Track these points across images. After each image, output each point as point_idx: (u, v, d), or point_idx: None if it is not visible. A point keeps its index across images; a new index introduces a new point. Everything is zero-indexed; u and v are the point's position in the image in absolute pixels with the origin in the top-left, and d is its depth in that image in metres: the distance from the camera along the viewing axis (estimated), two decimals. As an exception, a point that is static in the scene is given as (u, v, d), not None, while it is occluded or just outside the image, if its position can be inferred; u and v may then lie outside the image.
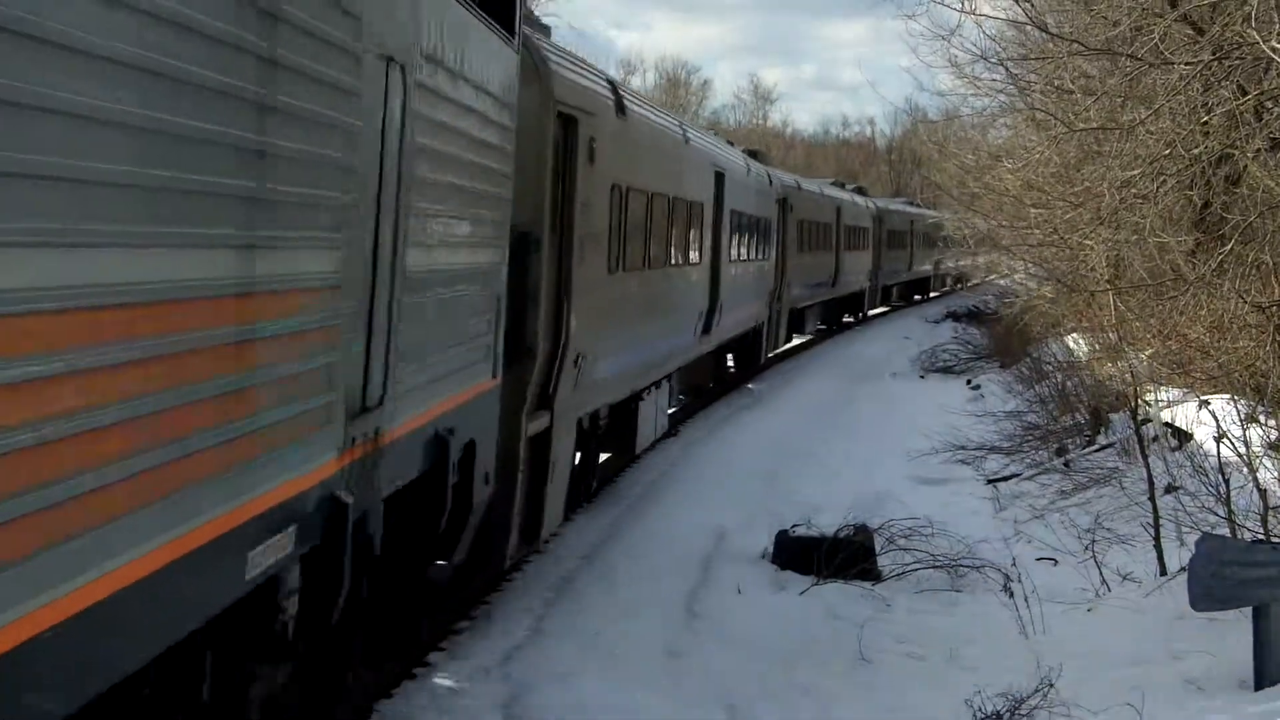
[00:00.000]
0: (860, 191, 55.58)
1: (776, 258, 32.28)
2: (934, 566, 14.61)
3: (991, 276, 67.30)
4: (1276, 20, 14.04)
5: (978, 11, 18.94)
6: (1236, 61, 16.01)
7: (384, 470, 7.76)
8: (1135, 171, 18.04)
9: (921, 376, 36.32)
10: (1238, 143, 17.10)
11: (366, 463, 7.42)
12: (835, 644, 12.26)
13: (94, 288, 4.33)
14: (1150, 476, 14.62)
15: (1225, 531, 12.37)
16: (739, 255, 26.28)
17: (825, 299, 44.74)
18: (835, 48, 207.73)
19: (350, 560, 7.12)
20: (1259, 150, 16.86)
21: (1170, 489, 15.22)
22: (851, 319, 52.20)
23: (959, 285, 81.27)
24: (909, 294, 70.43)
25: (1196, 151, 17.68)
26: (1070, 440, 21.40)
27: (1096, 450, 19.93)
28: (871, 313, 56.89)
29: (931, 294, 74.49)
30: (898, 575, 14.56)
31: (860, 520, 15.51)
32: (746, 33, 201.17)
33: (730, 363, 31.92)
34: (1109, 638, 11.86)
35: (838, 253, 43.81)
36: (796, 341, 41.46)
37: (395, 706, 10.39)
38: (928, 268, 71.89)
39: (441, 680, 10.85)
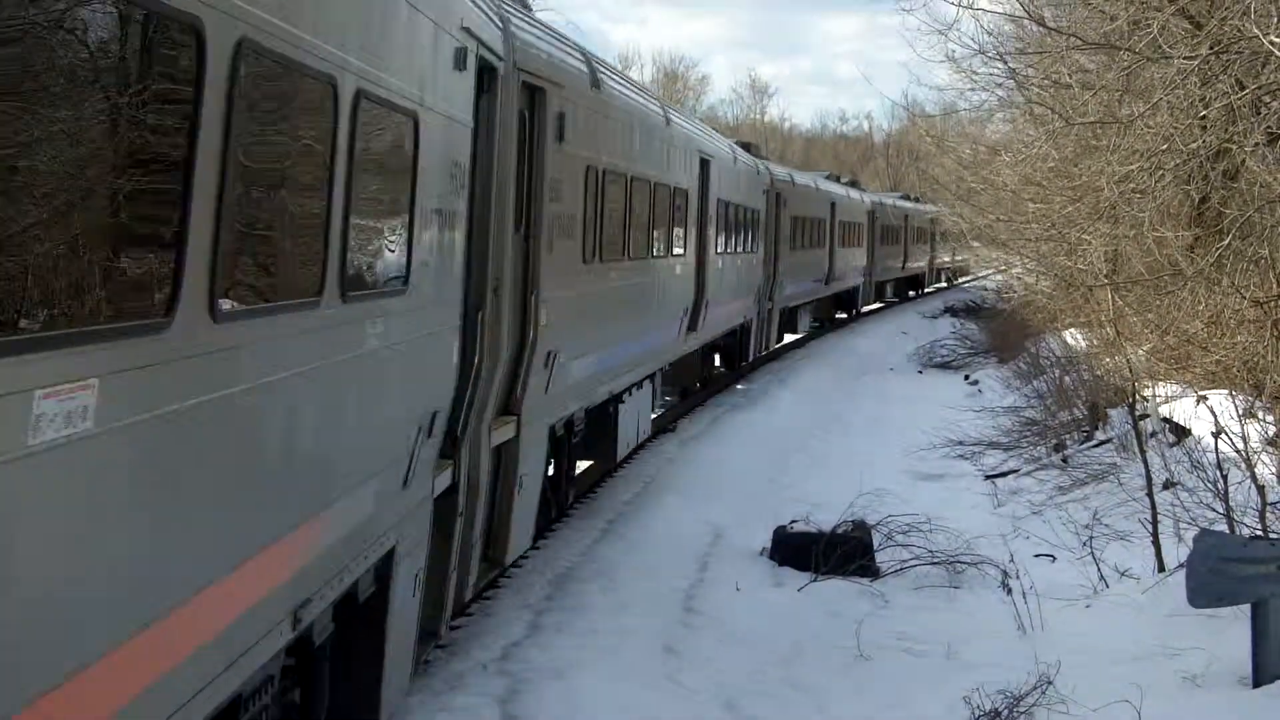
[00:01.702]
0: (748, 149, 32.16)
1: (516, 277, 11.86)
2: (932, 563, 14.61)
3: (972, 279, 64.54)
4: (1275, 14, 14.01)
5: (975, 6, 18.92)
6: (1235, 55, 15.98)
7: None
8: (1133, 166, 18.02)
9: (920, 371, 36.31)
10: (1236, 137, 17.08)
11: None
12: (833, 641, 12.25)
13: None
14: (1148, 472, 14.60)
15: (1223, 527, 12.36)
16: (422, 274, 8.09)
17: (676, 359, 22.39)
18: (831, 42, 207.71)
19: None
20: (1257, 145, 16.84)
21: (1168, 485, 15.21)
22: (726, 369, 31.09)
23: (914, 292, 68.13)
24: (829, 311, 48.42)
25: (1194, 146, 17.67)
26: (1068, 436, 21.39)
27: (1094, 446, 19.92)
28: (770, 348, 35.67)
29: (863, 308, 53.20)
30: (896, 571, 14.55)
31: (858, 516, 15.51)
32: (742, 27, 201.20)
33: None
34: (1107, 634, 11.84)
35: (702, 261, 22.53)
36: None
37: (393, 704, 10.37)
38: (855, 269, 49.39)
39: (440, 675, 10.83)
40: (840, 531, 14.87)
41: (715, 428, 24.78)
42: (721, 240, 24.70)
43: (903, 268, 62.57)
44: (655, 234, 18.03)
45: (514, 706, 10.26)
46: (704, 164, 22.54)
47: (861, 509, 15.97)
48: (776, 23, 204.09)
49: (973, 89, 25.74)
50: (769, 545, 15.18)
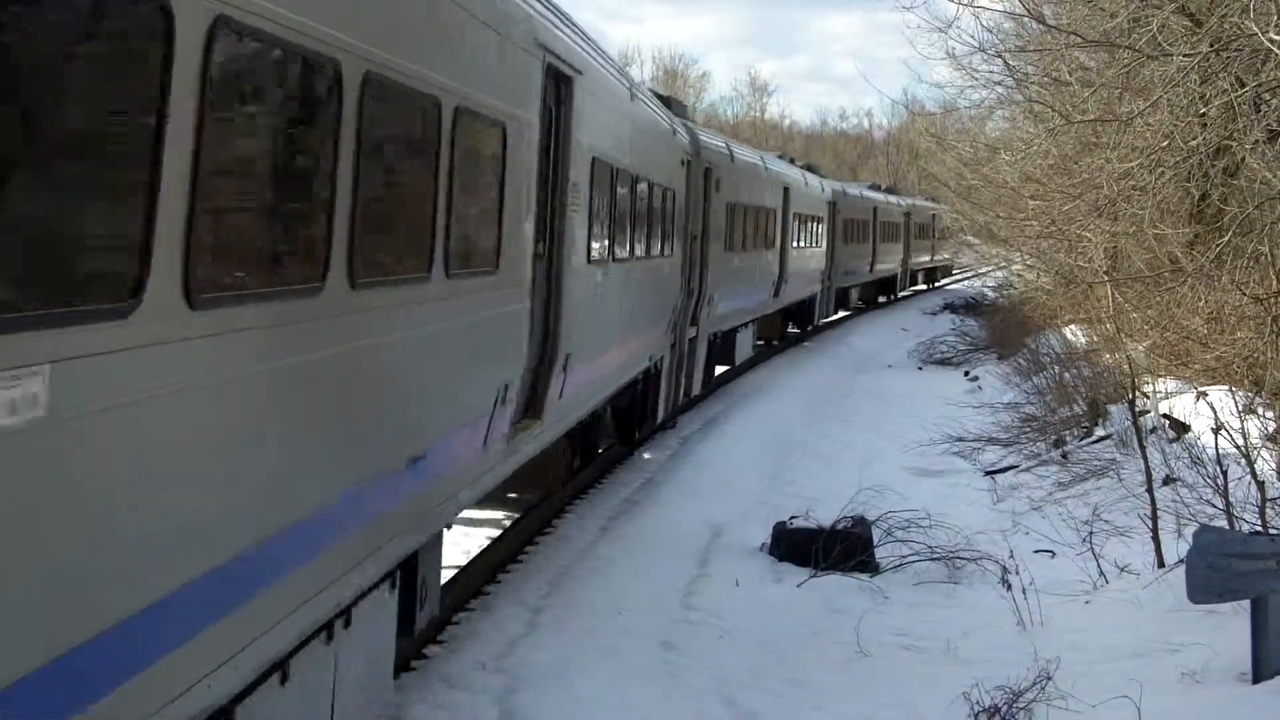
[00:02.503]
0: (669, 105, 21.85)
1: None
2: (932, 559, 14.61)
3: (954, 280, 61.36)
4: (1274, 11, 14.01)
5: (975, 4, 18.93)
6: (1234, 53, 15.99)
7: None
8: (1133, 163, 18.03)
9: (919, 368, 36.32)
10: (1235, 134, 17.09)
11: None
12: (833, 636, 12.25)
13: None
14: (1148, 468, 14.60)
15: (1223, 523, 12.35)
16: None
17: (485, 493, 11.18)
18: (828, 39, 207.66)
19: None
20: (1257, 142, 16.84)
21: (1168, 481, 15.21)
22: (621, 440, 20.46)
23: (885, 297, 58.57)
24: (778, 328, 39.05)
25: (1194, 143, 17.68)
26: (1068, 432, 21.39)
27: (1094, 442, 19.92)
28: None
29: (820, 321, 43.18)
30: (896, 567, 14.55)
31: (858, 512, 15.51)
32: (739, 25, 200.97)
33: None
34: (1107, 630, 11.85)
35: (555, 280, 12.11)
36: None
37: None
38: (813, 274, 39.46)
39: (438, 674, 10.83)
40: (840, 527, 14.88)
41: (715, 423, 24.78)
42: (599, 236, 14.03)
43: (871, 270, 52.13)
44: (383, 227, 7.83)
45: (513, 704, 10.25)
46: (557, 80, 11.77)
47: (861, 505, 15.97)
48: (774, 20, 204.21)
49: (972, 86, 25.84)
50: (769, 541, 15.18)
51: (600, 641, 11.71)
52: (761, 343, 35.85)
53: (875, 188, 60.08)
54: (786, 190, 33.16)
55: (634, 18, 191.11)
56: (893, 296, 59.89)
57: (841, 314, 48.96)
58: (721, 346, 27.44)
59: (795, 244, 34.88)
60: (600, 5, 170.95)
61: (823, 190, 40.87)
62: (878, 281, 55.99)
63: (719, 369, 28.79)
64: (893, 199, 59.15)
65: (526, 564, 14.29)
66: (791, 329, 40.57)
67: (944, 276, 77.92)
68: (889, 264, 56.89)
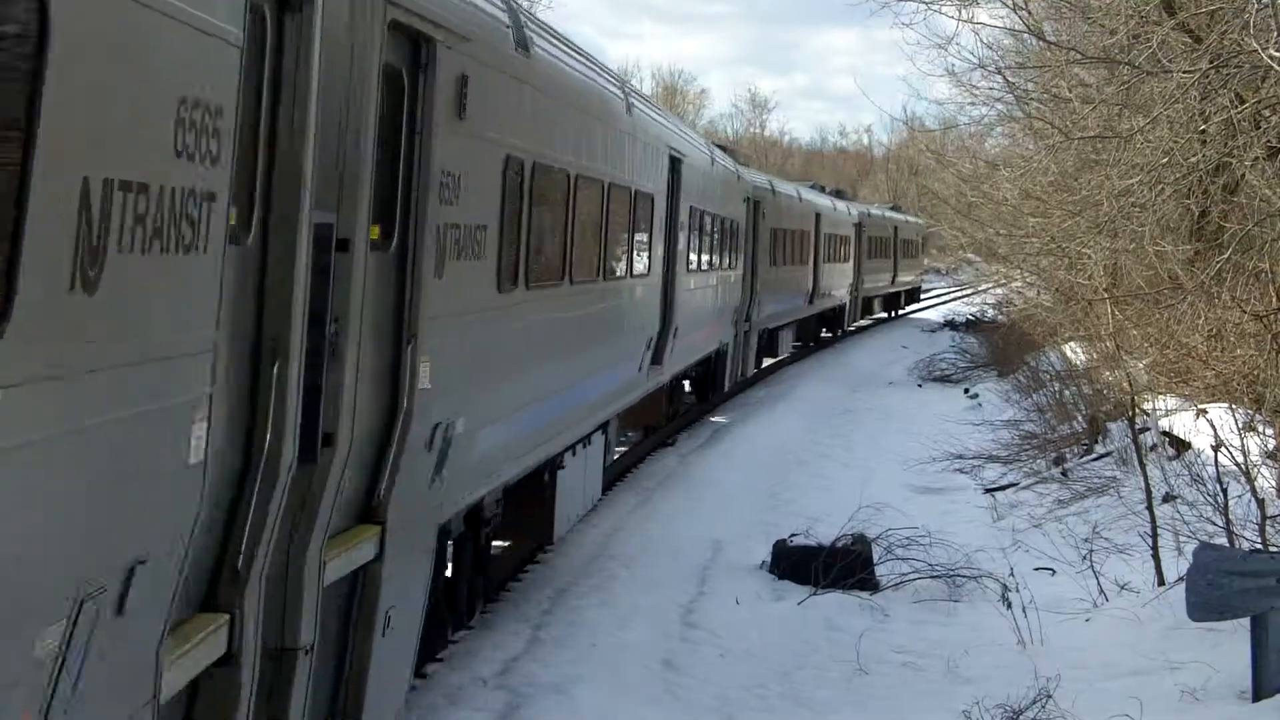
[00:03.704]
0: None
1: None
2: (932, 576, 14.59)
3: (923, 306, 55.88)
4: (1274, 28, 14.03)
5: (975, 20, 18.98)
6: (1234, 69, 16.01)
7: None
8: (1133, 180, 18.05)
9: (919, 385, 36.31)
10: (1235, 151, 17.11)
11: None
12: (833, 654, 12.24)
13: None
14: (1148, 486, 14.59)
15: (1223, 541, 12.35)
16: None
17: None
18: (826, 56, 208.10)
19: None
20: (1256, 158, 16.87)
21: (1168, 498, 15.21)
22: None
23: (829, 331, 46.45)
24: (659, 410, 23.20)
25: (1194, 160, 17.71)
26: (1068, 449, 21.39)
27: (1094, 459, 19.91)
28: None
29: (736, 377, 28.77)
30: (896, 585, 14.54)
31: (858, 530, 15.50)
32: (737, 42, 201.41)
33: None
34: (1107, 648, 11.84)
35: None
36: None
37: (392, 718, 10.36)
38: (720, 315, 25.40)
39: (438, 691, 10.81)
40: (840, 545, 14.86)
41: (715, 441, 24.77)
42: None
43: (810, 302, 39.32)
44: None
45: (513, 720, 10.24)
46: None
47: (861, 522, 15.95)
48: (772, 37, 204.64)
49: (972, 103, 25.89)
50: (769, 559, 15.17)
51: (601, 658, 11.70)
52: (631, 436, 22.90)
53: (818, 188, 46.93)
54: (676, 165, 18.91)
55: (632, 35, 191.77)
56: (840, 332, 47.29)
57: (767, 362, 35.57)
58: (508, 516, 12.06)
59: (691, 265, 21.17)
60: (599, 22, 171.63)
61: (739, 180, 26.74)
62: (820, 315, 43.03)
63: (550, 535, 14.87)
64: (841, 204, 47.18)
65: (526, 580, 14.28)
66: (689, 394, 27.25)
67: (911, 301, 66.83)
68: (836, 291, 43.98)
